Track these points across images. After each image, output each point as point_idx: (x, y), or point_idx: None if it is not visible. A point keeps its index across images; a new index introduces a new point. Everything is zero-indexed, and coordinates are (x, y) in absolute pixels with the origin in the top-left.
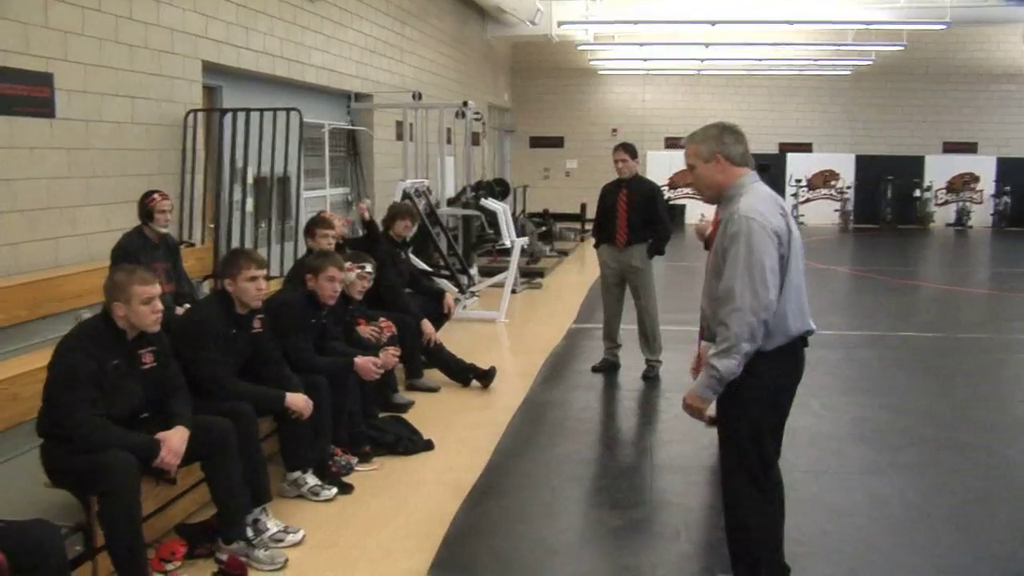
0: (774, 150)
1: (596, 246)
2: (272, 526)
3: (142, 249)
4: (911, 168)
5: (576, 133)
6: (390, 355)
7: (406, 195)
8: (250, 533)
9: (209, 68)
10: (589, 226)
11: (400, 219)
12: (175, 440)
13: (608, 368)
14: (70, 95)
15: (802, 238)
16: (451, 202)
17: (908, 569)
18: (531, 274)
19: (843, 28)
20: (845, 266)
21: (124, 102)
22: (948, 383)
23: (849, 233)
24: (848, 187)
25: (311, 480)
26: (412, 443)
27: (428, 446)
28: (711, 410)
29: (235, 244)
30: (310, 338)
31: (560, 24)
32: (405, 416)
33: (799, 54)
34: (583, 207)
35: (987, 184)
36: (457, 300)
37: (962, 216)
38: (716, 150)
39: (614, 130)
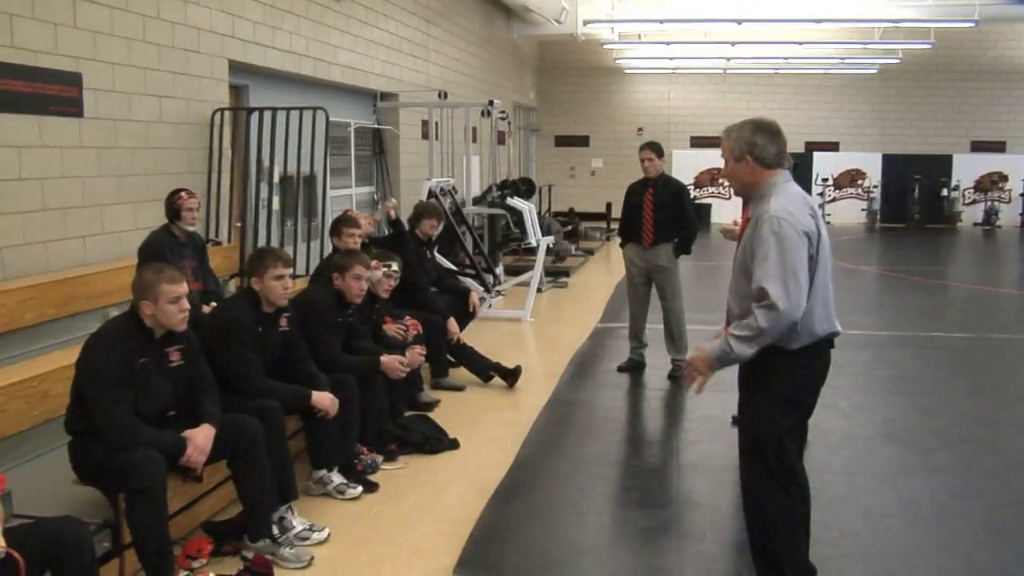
0: (800, 149)
1: (622, 245)
2: (298, 524)
3: (169, 247)
4: (939, 167)
5: (602, 132)
6: (416, 354)
7: (432, 194)
8: (276, 531)
9: (236, 67)
10: (615, 225)
11: (427, 218)
12: (201, 438)
13: (634, 368)
14: (98, 95)
15: (829, 238)
16: (476, 201)
17: (941, 571)
18: (556, 273)
19: (870, 26)
20: (873, 266)
21: (152, 101)
22: (981, 384)
23: (876, 232)
24: (875, 186)
25: (337, 479)
26: (438, 442)
27: (454, 445)
28: (700, 383)
29: (261, 242)
30: (337, 337)
31: (586, 23)
32: (431, 415)
33: (826, 52)
34: (608, 206)
35: (1016, 183)
36: (483, 299)
37: (990, 215)
38: (746, 151)
39: (640, 129)
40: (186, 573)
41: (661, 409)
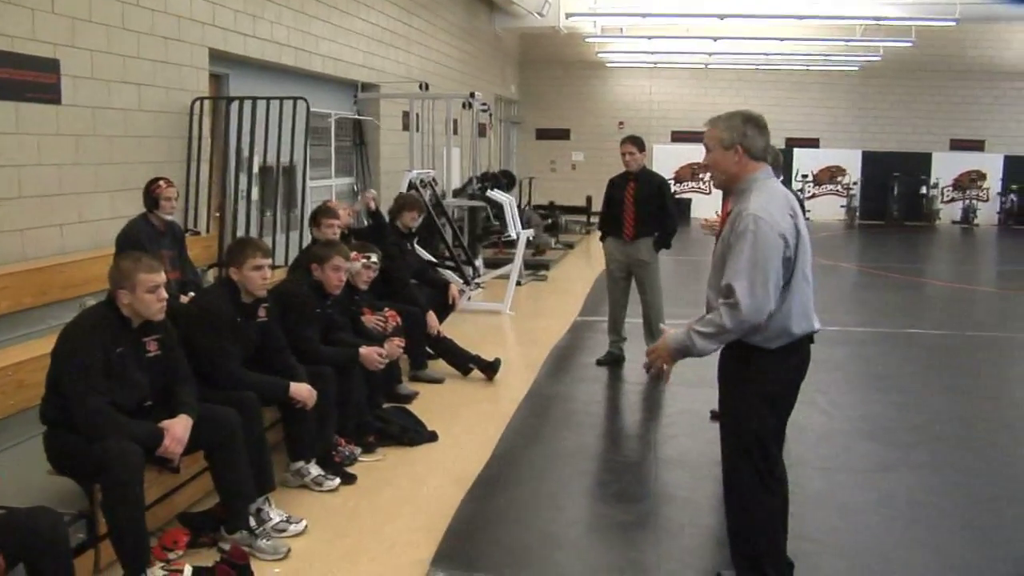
0: (781, 145)
1: (603, 239)
2: (275, 516)
3: (147, 236)
4: (918, 165)
5: (583, 126)
6: (395, 345)
7: (412, 185)
8: (253, 523)
9: (216, 56)
10: (595, 219)
11: (408, 210)
12: (179, 429)
13: (613, 361)
14: (77, 82)
15: (809, 235)
16: (457, 193)
17: (918, 567)
18: (536, 266)
19: (852, 24)
20: (852, 262)
21: (131, 89)
22: (958, 381)
23: (855, 229)
24: (854, 183)
25: (314, 470)
26: (417, 434)
27: (432, 437)
28: (665, 373)
29: (240, 232)
30: (316, 328)
31: (568, 16)
32: (409, 407)
33: (807, 49)
34: (589, 200)
35: (994, 182)
36: (462, 291)
37: (968, 214)
38: (737, 140)
39: (621, 123)
40: (162, 564)
41: (640, 403)
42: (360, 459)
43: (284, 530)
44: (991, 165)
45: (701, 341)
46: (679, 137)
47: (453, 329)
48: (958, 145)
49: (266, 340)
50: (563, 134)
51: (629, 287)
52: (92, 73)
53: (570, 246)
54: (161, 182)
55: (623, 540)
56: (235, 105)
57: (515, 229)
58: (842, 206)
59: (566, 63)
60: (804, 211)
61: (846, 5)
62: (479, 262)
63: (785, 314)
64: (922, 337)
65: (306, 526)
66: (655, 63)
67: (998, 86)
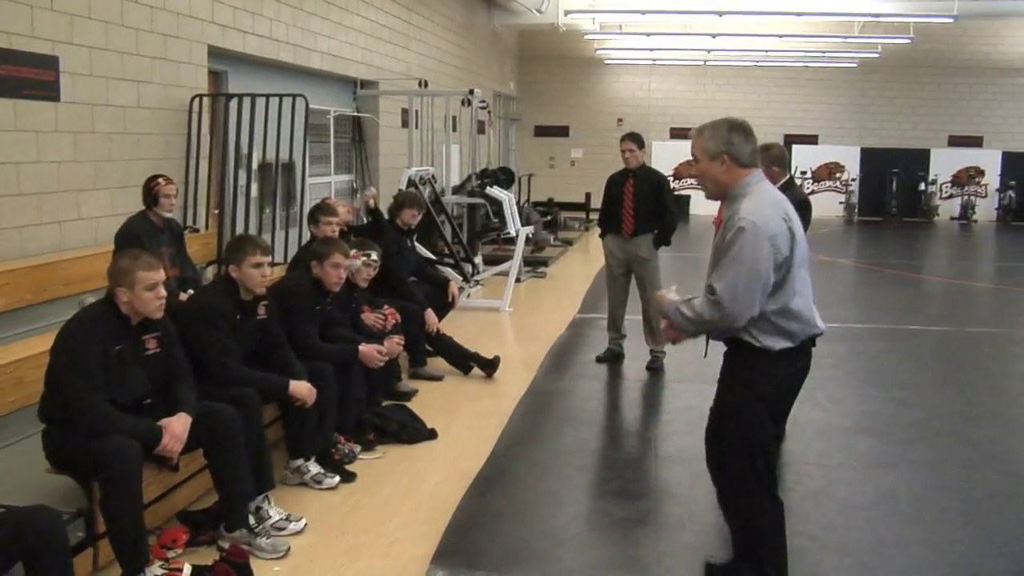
0: (780, 141)
1: (602, 236)
2: (275, 514)
3: (146, 234)
4: (916, 161)
5: (582, 122)
6: (395, 343)
7: (411, 183)
8: (252, 521)
9: (215, 53)
10: (594, 216)
11: (407, 207)
12: (178, 426)
13: (612, 358)
14: (75, 79)
15: (809, 231)
16: (456, 190)
17: (917, 563)
18: (535, 263)
19: (850, 20)
20: (850, 259)
21: (130, 86)
22: (958, 377)
23: (853, 226)
24: (853, 179)
25: (314, 468)
26: (416, 431)
27: (432, 435)
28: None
29: (239, 230)
30: (315, 325)
31: (567, 13)
32: (409, 404)
33: (806, 46)
34: (588, 196)
35: (992, 178)
36: (461, 289)
37: (967, 210)
38: (723, 150)
39: (619, 120)
40: (161, 563)
41: (639, 400)
42: (360, 457)
43: (284, 528)
44: (989, 161)
45: (682, 320)
46: (678, 133)
47: (452, 326)
48: (956, 141)
49: (266, 337)
50: (562, 131)
51: (629, 284)
52: (91, 70)
53: (569, 243)
54: (160, 179)
55: (623, 536)
56: (234, 102)
57: (514, 226)
58: (841, 202)
59: (565, 60)
60: (810, 213)
61: (844, 2)
62: (478, 259)
63: (786, 315)
64: (921, 333)
65: (306, 524)
66: (654, 60)
67: (996, 82)
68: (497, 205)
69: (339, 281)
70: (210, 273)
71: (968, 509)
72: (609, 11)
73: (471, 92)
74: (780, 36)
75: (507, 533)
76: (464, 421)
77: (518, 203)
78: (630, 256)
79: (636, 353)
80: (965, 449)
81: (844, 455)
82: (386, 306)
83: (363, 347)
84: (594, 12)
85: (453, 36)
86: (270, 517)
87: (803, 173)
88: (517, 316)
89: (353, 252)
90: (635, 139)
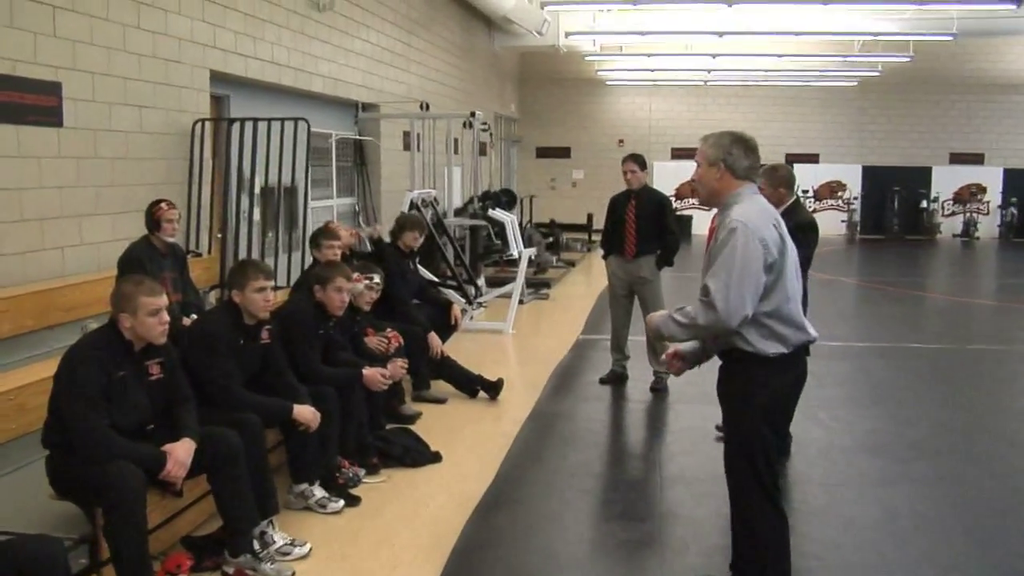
0: (781, 161)
1: (605, 257)
2: (279, 539)
3: (149, 259)
4: (918, 179)
5: (583, 143)
6: (398, 366)
7: (413, 205)
8: (257, 546)
9: (217, 77)
10: (596, 237)
11: (409, 230)
12: (181, 452)
13: (616, 380)
14: (78, 104)
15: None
16: (458, 212)
17: None
18: (538, 285)
19: (850, 39)
20: (852, 277)
21: (132, 111)
22: (960, 395)
23: (855, 244)
24: (855, 198)
25: (318, 492)
26: (420, 455)
27: (436, 458)
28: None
29: (242, 254)
30: (318, 349)
31: (567, 35)
32: (412, 428)
33: (806, 65)
34: (590, 217)
35: (994, 195)
36: (464, 311)
37: (969, 227)
38: (721, 158)
39: (620, 141)
40: None
41: (643, 421)
42: (364, 481)
43: (288, 553)
44: (991, 178)
45: (675, 328)
46: (679, 154)
47: (456, 349)
48: (958, 159)
49: (269, 362)
50: (563, 152)
51: (631, 305)
52: (93, 96)
53: (571, 264)
54: (163, 204)
55: (628, 559)
56: (236, 126)
57: (516, 248)
58: (843, 221)
59: (566, 81)
60: (816, 235)
61: (844, 21)
62: (481, 281)
63: (778, 318)
64: (923, 351)
65: (310, 549)
66: (654, 81)
67: (996, 99)
68: (499, 227)
69: (342, 305)
70: (213, 298)
71: (971, 527)
72: (609, 32)
73: (473, 114)
74: (780, 56)
75: (511, 556)
76: (468, 444)
77: (520, 225)
78: (633, 277)
79: (639, 374)
80: (968, 466)
81: (846, 474)
82: (389, 329)
83: (367, 371)
84: (594, 34)
85: (454, 59)
86: (274, 542)
87: (804, 192)
88: (520, 338)
89: (355, 275)
90: (637, 160)
